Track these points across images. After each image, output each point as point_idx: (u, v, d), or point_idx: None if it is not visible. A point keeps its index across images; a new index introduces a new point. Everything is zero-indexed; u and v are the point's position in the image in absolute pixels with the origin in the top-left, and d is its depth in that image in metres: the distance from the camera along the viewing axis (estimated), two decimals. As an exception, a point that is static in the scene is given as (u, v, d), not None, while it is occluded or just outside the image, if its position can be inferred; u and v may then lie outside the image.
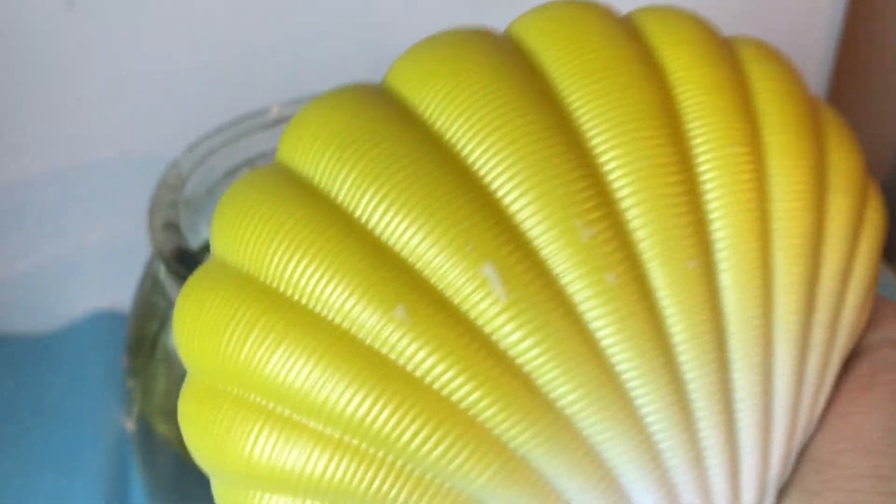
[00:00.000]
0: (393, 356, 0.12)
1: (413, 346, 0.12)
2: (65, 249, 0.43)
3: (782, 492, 0.15)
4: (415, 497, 0.12)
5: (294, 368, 0.12)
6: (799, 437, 0.14)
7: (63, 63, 0.37)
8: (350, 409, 0.12)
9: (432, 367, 0.12)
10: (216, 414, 0.13)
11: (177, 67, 0.37)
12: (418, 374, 0.12)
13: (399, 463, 0.12)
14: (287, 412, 0.12)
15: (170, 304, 0.24)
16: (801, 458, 0.15)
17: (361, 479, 0.12)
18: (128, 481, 0.36)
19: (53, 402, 0.40)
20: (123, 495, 0.36)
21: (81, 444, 0.38)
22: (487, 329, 0.12)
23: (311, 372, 0.12)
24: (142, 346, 0.26)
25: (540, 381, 0.12)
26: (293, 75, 0.36)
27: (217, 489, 0.14)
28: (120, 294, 0.44)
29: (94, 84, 0.37)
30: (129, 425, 0.28)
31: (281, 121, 0.32)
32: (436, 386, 0.12)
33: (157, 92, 0.38)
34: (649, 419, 0.13)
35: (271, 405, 0.12)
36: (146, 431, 0.26)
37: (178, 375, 0.25)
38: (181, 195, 0.27)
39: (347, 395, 0.12)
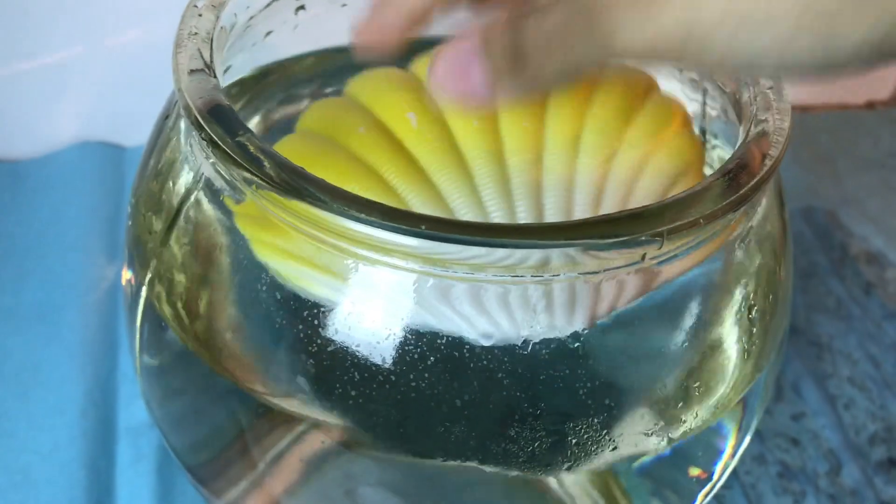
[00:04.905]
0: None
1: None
2: (51, 67, 0.36)
3: None
4: None
5: None
6: None
7: None
8: None
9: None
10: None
11: None
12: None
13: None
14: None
15: (198, 177, 0.18)
16: None
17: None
18: (116, 345, 0.30)
19: (30, 241, 0.34)
20: (109, 361, 0.30)
21: (60, 299, 0.32)
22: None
23: None
24: (158, 222, 0.19)
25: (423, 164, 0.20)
26: None
27: None
28: (111, 123, 0.38)
29: None
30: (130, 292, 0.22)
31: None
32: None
33: None
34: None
35: None
36: (156, 325, 0.20)
37: (197, 273, 0.19)
38: (217, 25, 0.20)
39: None
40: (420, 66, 0.21)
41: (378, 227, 0.15)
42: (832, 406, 0.33)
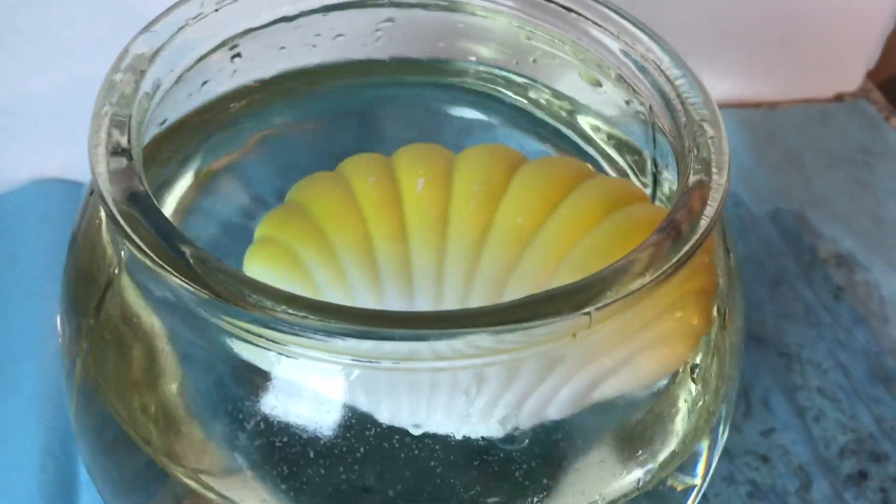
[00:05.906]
0: None
1: None
2: (3, 103, 0.35)
3: None
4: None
5: None
6: None
7: None
8: None
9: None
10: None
11: None
12: None
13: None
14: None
15: (120, 262, 0.18)
16: None
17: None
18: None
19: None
20: (67, 412, 0.29)
21: (18, 348, 0.31)
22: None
23: None
24: (89, 299, 0.19)
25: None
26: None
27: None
28: (69, 158, 0.37)
29: None
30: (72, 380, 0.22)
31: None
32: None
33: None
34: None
35: None
36: (90, 399, 0.20)
37: (122, 357, 0.18)
38: (137, 95, 0.19)
39: None
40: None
41: (298, 329, 0.14)
42: (802, 419, 0.33)
